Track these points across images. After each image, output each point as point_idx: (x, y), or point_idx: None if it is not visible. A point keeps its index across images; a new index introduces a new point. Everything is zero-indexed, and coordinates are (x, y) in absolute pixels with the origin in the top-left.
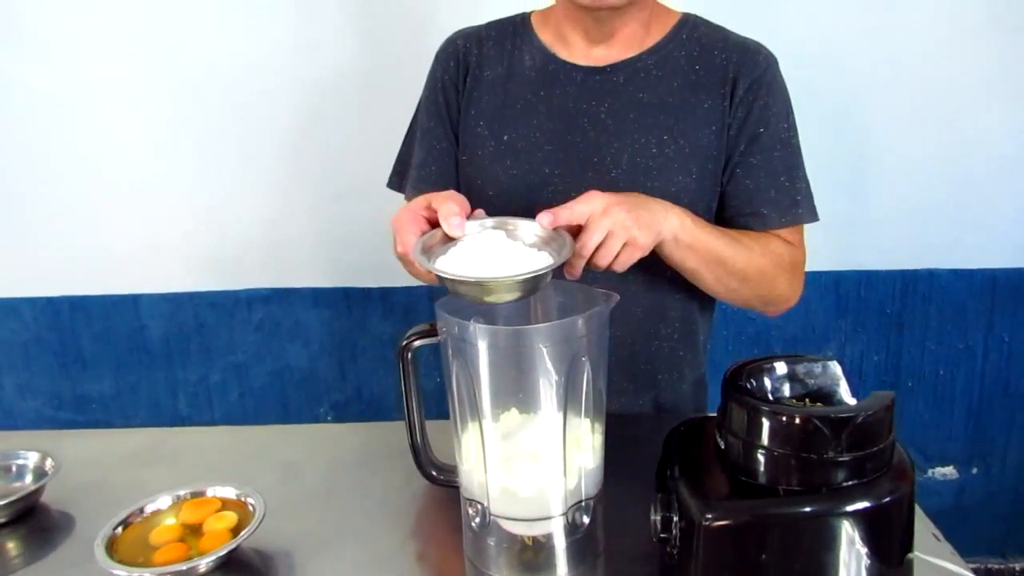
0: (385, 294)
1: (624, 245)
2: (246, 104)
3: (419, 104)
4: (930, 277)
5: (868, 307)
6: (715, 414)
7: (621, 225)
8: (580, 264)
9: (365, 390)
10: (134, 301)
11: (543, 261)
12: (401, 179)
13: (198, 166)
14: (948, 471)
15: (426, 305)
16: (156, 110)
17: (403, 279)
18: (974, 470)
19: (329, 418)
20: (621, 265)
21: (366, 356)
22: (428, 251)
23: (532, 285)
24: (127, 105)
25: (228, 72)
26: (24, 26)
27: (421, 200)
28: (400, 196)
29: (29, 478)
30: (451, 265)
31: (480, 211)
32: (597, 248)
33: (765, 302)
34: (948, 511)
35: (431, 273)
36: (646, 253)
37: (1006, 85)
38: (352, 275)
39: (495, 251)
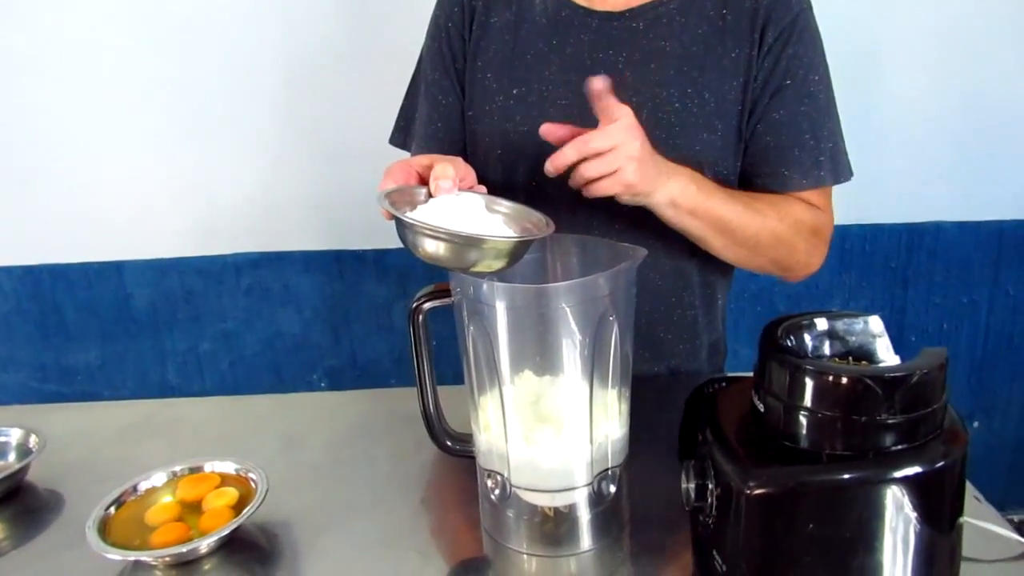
0: (379, 256)
1: (614, 171)
2: (234, 62)
3: (421, 53)
4: (936, 231)
5: (873, 262)
6: (735, 374)
7: (625, 153)
8: (568, 153)
9: (360, 355)
10: (118, 268)
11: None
12: (405, 135)
13: (183, 127)
14: None
15: (421, 268)
16: (140, 69)
17: (396, 241)
18: (975, 424)
19: (323, 385)
20: (596, 189)
21: (360, 321)
22: (397, 204)
23: (500, 253)
24: (109, 65)
25: (214, 30)
26: None
27: (424, 158)
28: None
29: (13, 456)
30: (418, 214)
31: (482, 188)
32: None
33: (782, 268)
34: None
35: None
36: (625, 195)
37: (1015, 36)
38: (344, 238)
39: (469, 215)
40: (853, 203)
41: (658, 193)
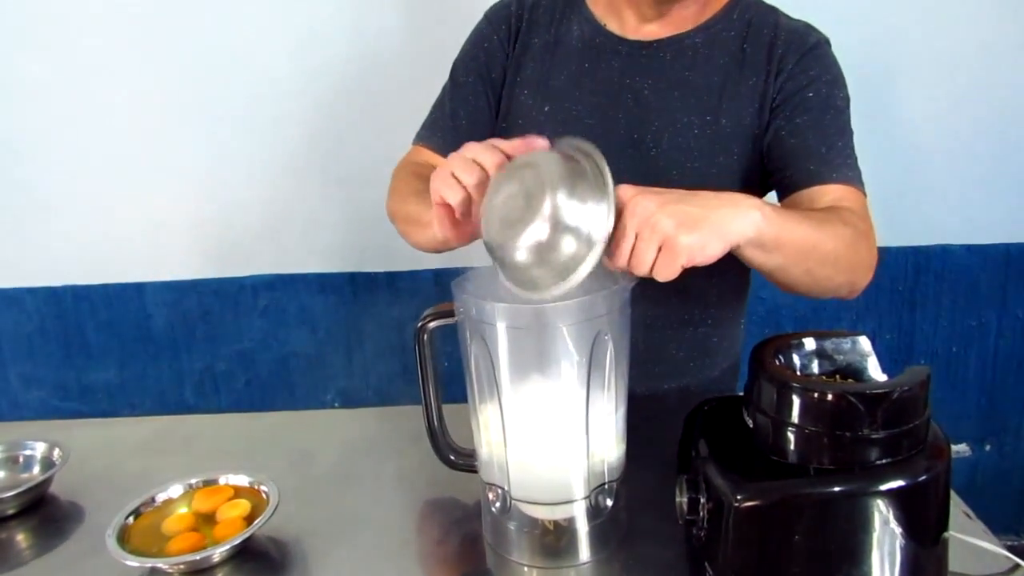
0: (391, 279)
1: (659, 249)
2: (250, 88)
3: (454, 66)
4: (943, 253)
5: (880, 284)
6: (734, 395)
7: (650, 225)
8: (617, 266)
9: (372, 376)
10: (138, 290)
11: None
12: (428, 133)
13: (201, 152)
14: (961, 449)
15: (432, 290)
16: (158, 95)
17: (409, 264)
18: (987, 447)
19: (336, 404)
20: (660, 273)
21: (372, 342)
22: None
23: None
24: (128, 90)
25: (232, 56)
26: (23, 12)
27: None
28: None
29: (37, 468)
30: None
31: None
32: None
33: (851, 281)
34: (961, 489)
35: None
36: (697, 260)
37: (1021, 62)
38: (358, 260)
39: None
40: None
41: (732, 233)
